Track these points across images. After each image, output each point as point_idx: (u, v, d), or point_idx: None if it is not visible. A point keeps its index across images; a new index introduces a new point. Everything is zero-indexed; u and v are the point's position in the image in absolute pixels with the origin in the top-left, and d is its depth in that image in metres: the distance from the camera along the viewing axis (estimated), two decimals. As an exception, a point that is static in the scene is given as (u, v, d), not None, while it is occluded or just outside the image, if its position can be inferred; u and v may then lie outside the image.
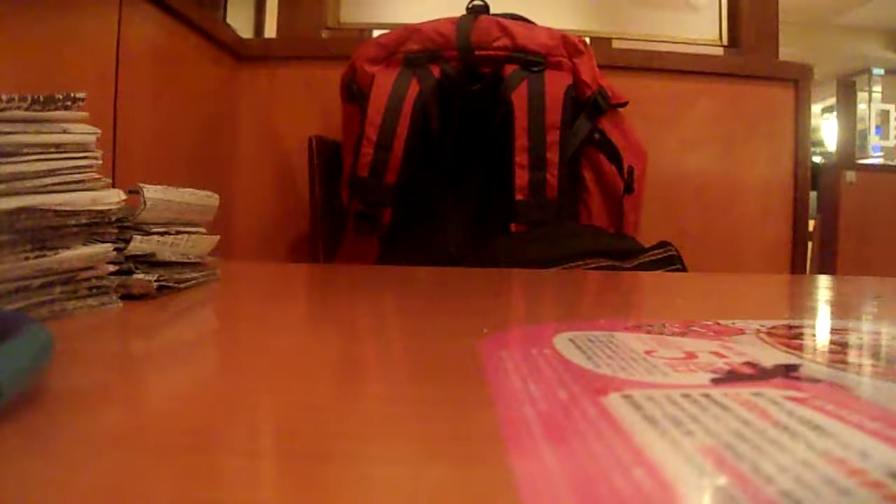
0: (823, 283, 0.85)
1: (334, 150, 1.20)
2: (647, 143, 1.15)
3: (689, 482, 0.14)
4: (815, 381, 0.22)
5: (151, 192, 0.42)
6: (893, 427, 0.17)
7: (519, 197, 1.01)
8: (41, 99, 0.33)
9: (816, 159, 4.35)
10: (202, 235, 0.49)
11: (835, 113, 5.12)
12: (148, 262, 0.42)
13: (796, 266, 1.43)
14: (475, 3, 1.15)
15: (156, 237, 0.43)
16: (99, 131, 0.37)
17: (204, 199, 0.49)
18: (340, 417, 0.20)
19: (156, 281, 0.41)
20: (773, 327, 0.32)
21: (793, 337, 0.31)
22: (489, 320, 0.38)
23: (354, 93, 1.12)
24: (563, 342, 0.28)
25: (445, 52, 1.08)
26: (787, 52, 1.56)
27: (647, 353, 0.26)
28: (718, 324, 0.33)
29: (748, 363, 0.24)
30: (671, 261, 0.95)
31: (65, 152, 0.35)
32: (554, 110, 1.03)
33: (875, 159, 4.72)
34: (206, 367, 0.28)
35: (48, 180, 0.34)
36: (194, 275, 0.47)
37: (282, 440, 0.18)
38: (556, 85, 1.05)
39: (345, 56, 1.17)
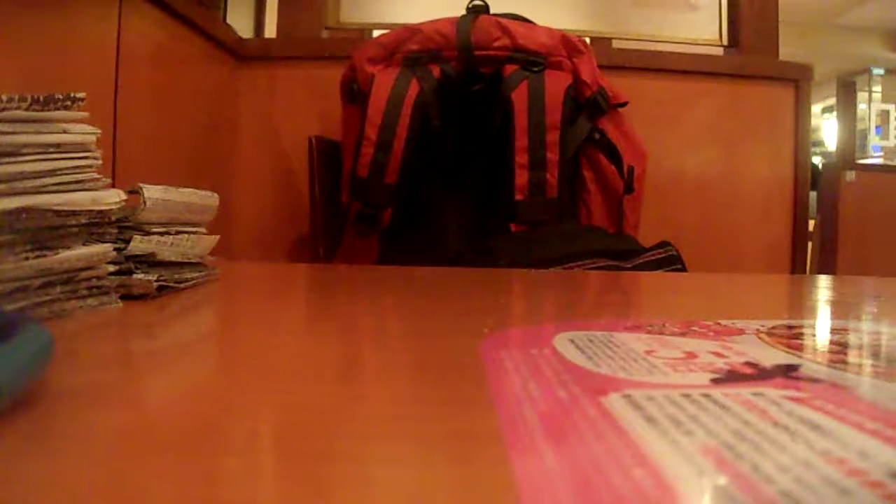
0: (823, 283, 0.85)
1: (334, 150, 1.20)
2: (647, 143, 1.15)
3: (689, 482, 0.14)
4: (815, 381, 0.22)
5: (151, 192, 0.42)
6: (893, 427, 0.17)
7: (519, 197, 1.01)
8: (41, 99, 0.33)
9: (816, 159, 4.35)
10: (202, 235, 0.49)
11: (835, 113, 5.13)
12: (148, 262, 0.42)
13: (796, 266, 1.43)
14: (475, 3, 1.15)
15: (156, 237, 0.43)
16: (99, 131, 0.37)
17: (204, 199, 0.49)
18: (340, 417, 0.20)
19: (156, 281, 0.41)
20: (773, 327, 0.32)
21: (793, 337, 0.31)
22: (489, 320, 0.38)
23: (354, 93, 1.12)
24: (563, 342, 0.28)
25: (445, 52, 1.08)
26: (787, 52, 1.56)
27: (647, 353, 0.26)
28: (718, 324, 0.33)
29: (748, 363, 0.24)
30: (671, 261, 0.95)
31: (65, 152, 0.35)
32: (554, 110, 1.03)
33: (875, 159, 4.72)
34: (205, 367, 0.28)
35: (48, 180, 0.34)
36: (194, 275, 0.47)
37: (281, 440, 0.18)
38: (556, 85, 1.05)
39: (345, 56, 1.17)
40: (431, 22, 1.11)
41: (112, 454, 0.16)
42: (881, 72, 4.91)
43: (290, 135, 1.35)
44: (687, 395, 0.20)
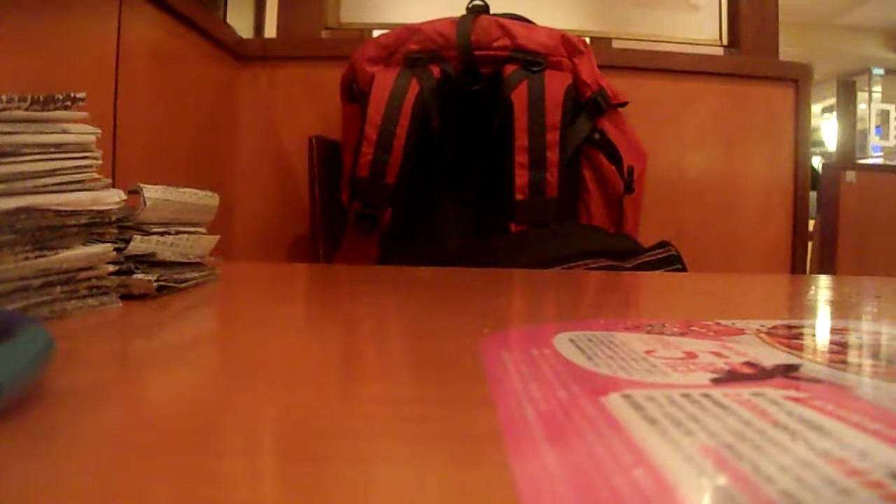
0: (823, 283, 0.85)
1: (334, 150, 1.20)
2: (647, 143, 1.15)
3: (689, 482, 0.14)
4: (815, 381, 0.22)
5: (151, 192, 0.42)
6: (893, 427, 0.17)
7: (519, 197, 1.01)
8: (41, 99, 0.33)
9: (816, 159, 4.36)
10: (202, 235, 0.48)
11: (835, 113, 5.13)
12: (148, 262, 0.42)
13: (796, 266, 1.43)
14: (475, 3, 1.15)
15: (156, 237, 0.43)
16: (99, 131, 0.37)
17: (204, 198, 0.49)
18: (340, 417, 0.20)
19: (156, 281, 0.41)
20: (773, 327, 0.32)
21: (793, 337, 0.31)
22: (489, 320, 0.38)
23: (354, 93, 1.12)
24: (563, 342, 0.28)
25: (445, 52, 1.08)
26: (787, 52, 1.56)
27: (647, 353, 0.26)
28: (718, 324, 0.33)
29: (748, 363, 0.24)
30: (671, 261, 0.95)
31: (65, 152, 0.35)
32: (554, 110, 1.03)
33: (875, 159, 4.73)
34: (205, 368, 0.28)
35: (48, 180, 0.34)
36: (194, 275, 0.47)
37: (281, 440, 0.18)
38: (556, 85, 1.05)
39: (345, 56, 1.17)
40: (431, 22, 1.11)
41: (112, 454, 0.16)
42: (881, 72, 4.91)
43: (290, 135, 1.35)
44: (687, 395, 0.20)
